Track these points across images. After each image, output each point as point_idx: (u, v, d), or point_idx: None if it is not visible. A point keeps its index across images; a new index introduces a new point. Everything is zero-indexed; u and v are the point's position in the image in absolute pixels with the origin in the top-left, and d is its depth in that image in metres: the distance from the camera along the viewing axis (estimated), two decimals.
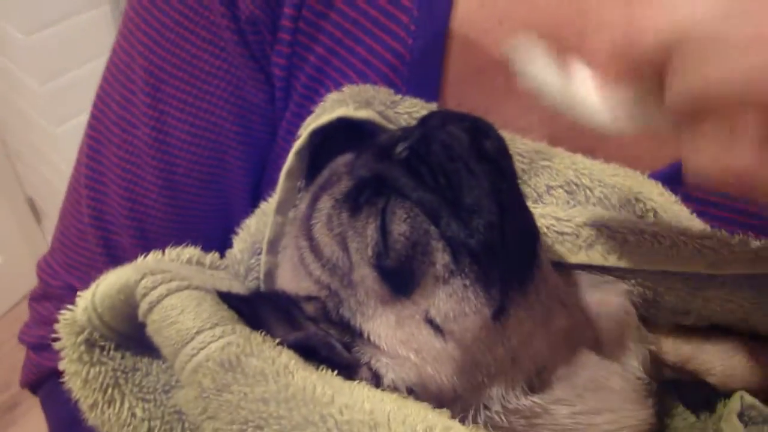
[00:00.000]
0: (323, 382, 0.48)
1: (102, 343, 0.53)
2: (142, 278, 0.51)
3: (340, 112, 0.66)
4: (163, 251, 0.62)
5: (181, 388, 0.50)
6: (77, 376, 0.52)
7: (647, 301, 0.70)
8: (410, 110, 0.70)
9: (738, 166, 0.42)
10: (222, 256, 0.73)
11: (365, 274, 0.56)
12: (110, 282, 0.52)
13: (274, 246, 0.68)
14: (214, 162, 0.84)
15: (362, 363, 0.56)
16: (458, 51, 0.76)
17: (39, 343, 0.92)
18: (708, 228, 0.68)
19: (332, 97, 0.69)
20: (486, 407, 0.58)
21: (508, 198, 0.56)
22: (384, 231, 0.55)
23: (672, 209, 0.71)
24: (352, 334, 0.57)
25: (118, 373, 0.53)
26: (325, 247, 0.58)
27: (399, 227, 0.55)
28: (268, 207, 0.71)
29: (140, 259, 0.60)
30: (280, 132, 0.84)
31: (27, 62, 2.29)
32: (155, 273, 0.52)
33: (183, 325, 0.49)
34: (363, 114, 0.66)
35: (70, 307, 0.54)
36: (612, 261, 0.67)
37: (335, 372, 0.53)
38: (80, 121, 2.34)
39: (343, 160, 0.64)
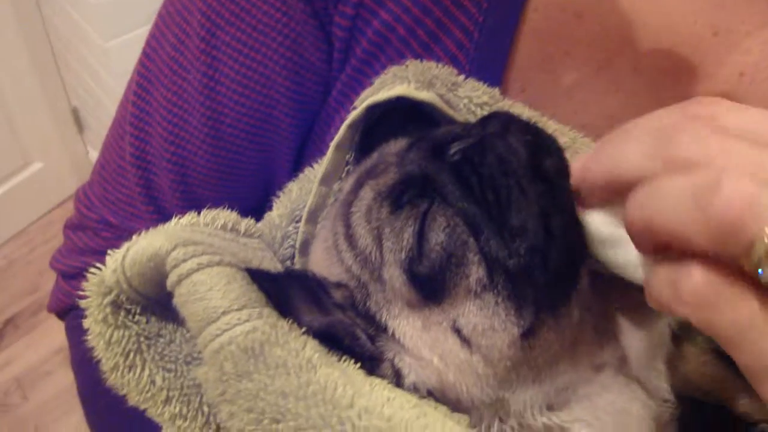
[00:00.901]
0: (345, 381, 0.47)
1: (128, 306, 0.53)
2: (173, 249, 0.50)
3: (401, 90, 0.63)
4: (199, 212, 0.61)
5: (203, 364, 0.50)
6: (101, 337, 0.52)
7: (681, 323, 0.67)
8: (471, 94, 0.67)
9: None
10: (260, 213, 0.71)
11: (395, 275, 0.54)
12: (141, 247, 0.51)
13: (314, 216, 0.66)
14: (262, 116, 0.82)
15: (385, 358, 0.55)
16: (529, 37, 0.73)
17: (70, 271, 0.93)
18: None
19: (394, 71, 0.66)
20: (501, 420, 0.57)
21: (557, 223, 0.53)
22: (421, 237, 0.52)
23: None
24: (377, 328, 0.55)
25: (141, 339, 0.53)
26: (360, 238, 0.56)
27: (437, 236, 0.52)
28: (312, 174, 0.69)
29: (174, 221, 0.59)
30: (333, 93, 0.81)
31: None
32: (187, 244, 0.51)
33: (210, 302, 0.48)
34: (424, 96, 0.63)
35: (99, 265, 0.53)
36: None
37: (357, 364, 0.52)
38: (131, 37, 2.36)
39: (394, 148, 0.61)
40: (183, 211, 0.88)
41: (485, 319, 0.52)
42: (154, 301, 0.54)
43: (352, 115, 0.63)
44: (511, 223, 0.52)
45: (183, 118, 0.82)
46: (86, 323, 0.53)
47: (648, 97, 0.73)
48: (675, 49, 0.70)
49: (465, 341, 0.53)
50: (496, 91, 0.69)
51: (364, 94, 0.64)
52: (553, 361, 0.57)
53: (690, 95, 0.70)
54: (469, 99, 0.67)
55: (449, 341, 0.54)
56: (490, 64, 0.73)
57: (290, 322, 0.51)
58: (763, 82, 0.70)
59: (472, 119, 0.67)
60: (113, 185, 0.89)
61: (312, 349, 0.49)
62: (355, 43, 0.77)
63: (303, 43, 0.78)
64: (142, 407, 0.52)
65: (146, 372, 0.52)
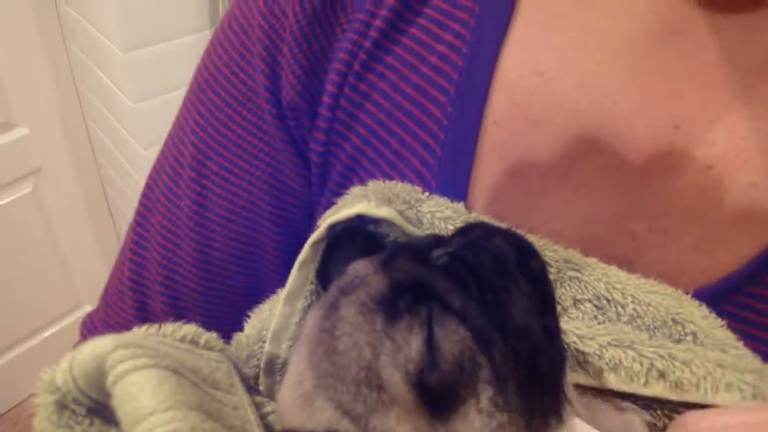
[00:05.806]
0: None
1: (73, 407, 0.54)
2: (114, 350, 0.52)
3: (360, 208, 0.65)
4: (160, 325, 0.63)
5: None
6: None
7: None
8: (434, 210, 0.69)
9: None
10: None
11: (401, 392, 0.50)
12: (88, 349, 0.53)
13: (278, 336, 0.67)
14: (249, 240, 0.86)
15: None
16: (491, 150, 0.75)
17: None
18: (752, 359, 0.61)
19: (355, 191, 0.69)
20: None
21: (552, 323, 0.52)
22: (431, 345, 0.49)
23: (716, 335, 0.64)
24: None
25: None
26: (351, 362, 0.52)
27: (450, 345, 0.50)
28: (282, 293, 0.71)
29: (134, 330, 0.61)
30: (315, 216, 0.85)
31: (123, 79, 2.26)
32: (128, 346, 0.52)
33: (140, 403, 0.49)
34: (383, 212, 0.65)
35: (53, 366, 0.55)
36: (635, 388, 0.62)
37: None
38: None
39: (365, 265, 0.59)
40: None
41: None
42: (99, 403, 0.55)
43: (314, 235, 0.65)
44: (513, 325, 0.51)
45: (175, 243, 0.87)
46: (35, 421, 0.54)
47: (617, 198, 0.72)
48: (638, 147, 0.69)
49: None
50: (461, 205, 0.71)
51: (326, 214, 0.66)
52: None
53: (659, 193, 0.69)
54: (432, 214, 0.69)
55: None
56: (454, 180, 0.75)
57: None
58: (734, 173, 0.68)
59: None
60: (114, 309, 0.93)
61: None
62: (330, 168, 0.81)
63: (284, 170, 0.83)
64: None
65: None
